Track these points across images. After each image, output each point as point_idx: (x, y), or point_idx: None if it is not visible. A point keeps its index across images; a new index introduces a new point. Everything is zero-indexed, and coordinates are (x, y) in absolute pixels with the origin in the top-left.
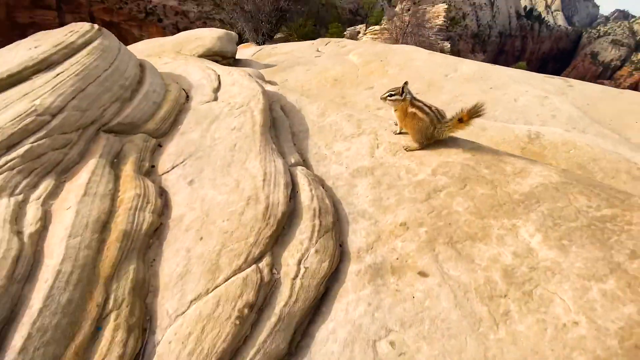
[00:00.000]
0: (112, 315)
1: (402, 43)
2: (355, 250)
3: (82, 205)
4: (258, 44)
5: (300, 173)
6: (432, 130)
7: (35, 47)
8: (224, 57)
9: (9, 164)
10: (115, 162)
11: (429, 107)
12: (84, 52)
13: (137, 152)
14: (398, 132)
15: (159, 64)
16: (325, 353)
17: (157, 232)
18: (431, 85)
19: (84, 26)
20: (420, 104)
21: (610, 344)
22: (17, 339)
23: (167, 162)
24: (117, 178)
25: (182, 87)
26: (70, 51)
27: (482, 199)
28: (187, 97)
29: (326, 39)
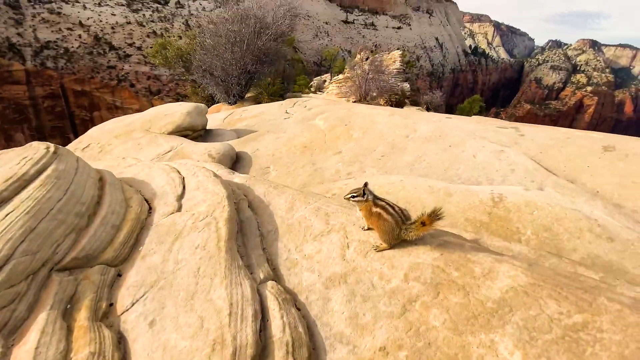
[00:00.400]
0: None
1: (365, 89)
2: None
3: None
4: (230, 104)
5: (270, 294)
6: (398, 231)
7: None
8: (195, 131)
9: None
10: (68, 309)
11: (393, 207)
12: (37, 182)
13: (94, 292)
14: (366, 228)
15: (122, 166)
16: None
17: None
18: (394, 147)
19: (39, 150)
20: (383, 203)
21: None
22: None
23: (127, 297)
24: (70, 331)
25: (144, 197)
26: (21, 184)
27: (456, 309)
28: (150, 209)
29: (293, 99)
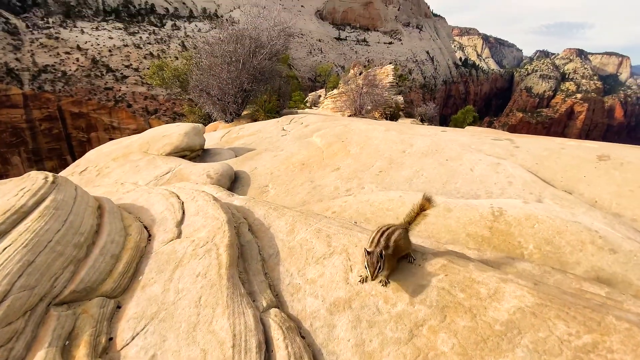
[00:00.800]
0: None
1: (359, 103)
2: None
3: None
4: (226, 122)
5: (273, 323)
6: (393, 261)
7: None
8: (193, 151)
9: None
10: (67, 346)
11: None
12: (35, 214)
13: (93, 326)
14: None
15: (121, 192)
16: None
17: None
18: (392, 162)
19: (37, 180)
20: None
21: None
22: None
23: (127, 330)
24: None
25: (143, 223)
26: (20, 216)
27: (465, 333)
28: (149, 236)
29: (290, 116)
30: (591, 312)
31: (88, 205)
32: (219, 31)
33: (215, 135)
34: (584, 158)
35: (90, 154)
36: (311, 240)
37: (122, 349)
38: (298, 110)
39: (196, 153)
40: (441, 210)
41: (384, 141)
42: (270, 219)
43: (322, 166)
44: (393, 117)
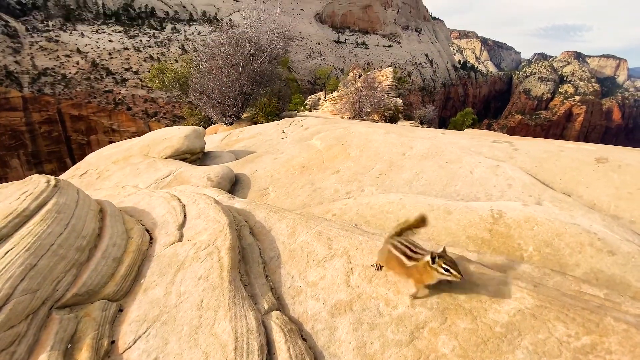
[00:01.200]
0: None
1: (359, 106)
2: None
3: None
4: (226, 125)
5: (275, 325)
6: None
7: None
8: (193, 154)
9: None
10: (69, 349)
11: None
12: (37, 217)
13: (95, 329)
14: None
15: (122, 195)
16: None
17: None
18: (392, 164)
19: (39, 184)
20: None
21: None
22: None
23: (129, 333)
24: None
25: (145, 226)
26: (22, 220)
27: (465, 335)
28: (151, 239)
29: (290, 119)
30: (590, 313)
31: (90, 208)
32: (219, 34)
33: (216, 138)
34: (583, 160)
35: (91, 157)
36: (312, 243)
37: (124, 352)
38: (298, 113)
39: (197, 156)
40: (441, 212)
41: (384, 144)
42: (271, 221)
43: (322, 169)
44: (392, 119)
